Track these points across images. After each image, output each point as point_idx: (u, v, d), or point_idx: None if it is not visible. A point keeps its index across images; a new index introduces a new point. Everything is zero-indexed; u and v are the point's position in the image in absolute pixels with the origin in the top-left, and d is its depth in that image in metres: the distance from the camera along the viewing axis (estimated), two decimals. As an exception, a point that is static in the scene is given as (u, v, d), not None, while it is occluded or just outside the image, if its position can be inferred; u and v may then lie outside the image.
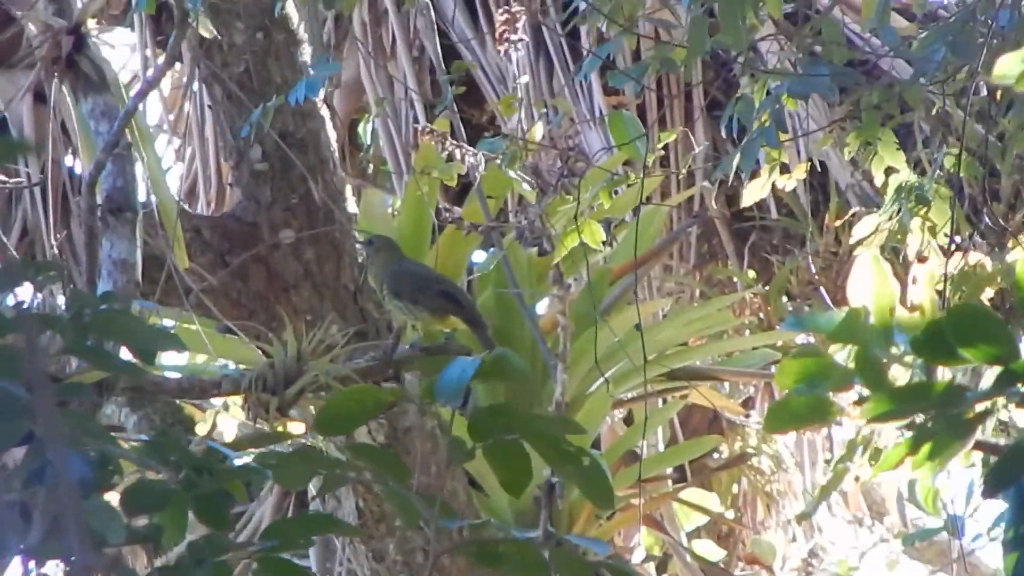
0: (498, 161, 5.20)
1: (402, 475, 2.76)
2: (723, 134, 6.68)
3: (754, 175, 5.46)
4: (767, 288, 7.77)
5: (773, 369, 7.80)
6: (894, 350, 2.18)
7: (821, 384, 2.18)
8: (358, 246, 5.39)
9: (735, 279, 7.99)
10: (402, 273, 4.51)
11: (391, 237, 5.12)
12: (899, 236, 5.19)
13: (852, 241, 6.01)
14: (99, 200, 4.24)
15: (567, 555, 2.76)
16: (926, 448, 2.19)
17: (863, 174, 6.94)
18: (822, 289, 7.66)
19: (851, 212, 6.86)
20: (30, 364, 2.33)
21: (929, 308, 2.28)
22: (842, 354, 2.26)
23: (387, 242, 4.76)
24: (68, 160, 6.24)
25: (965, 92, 4.91)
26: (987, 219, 5.77)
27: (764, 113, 4.56)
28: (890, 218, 5.21)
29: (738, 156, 4.65)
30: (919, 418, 2.17)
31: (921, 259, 5.08)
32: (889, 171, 5.25)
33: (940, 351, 2.15)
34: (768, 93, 4.59)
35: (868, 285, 2.28)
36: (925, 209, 5.06)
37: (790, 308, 7.76)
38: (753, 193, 5.55)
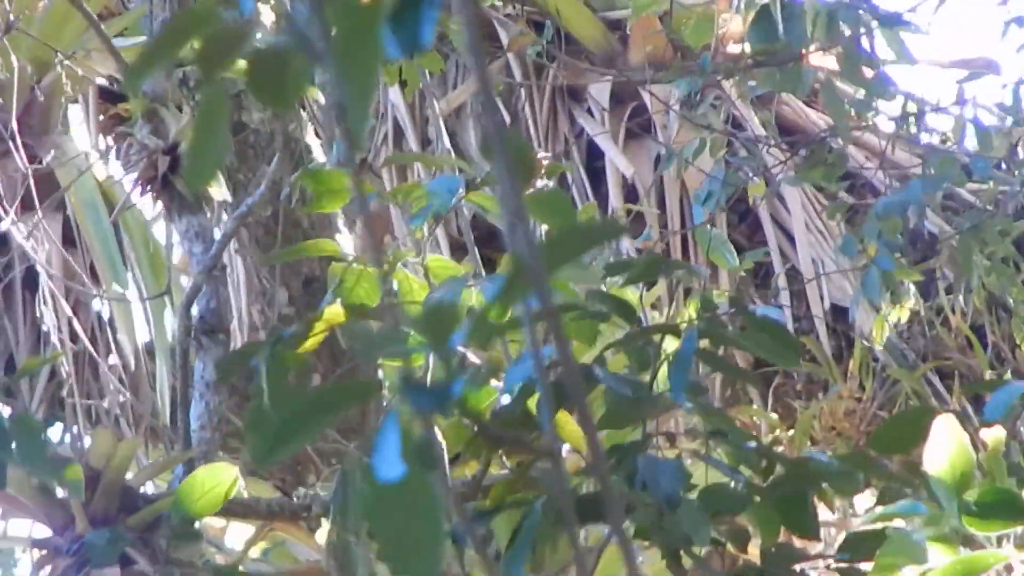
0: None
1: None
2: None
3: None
4: (791, 432, 7.75)
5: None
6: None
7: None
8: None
9: (758, 420, 7.97)
10: None
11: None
12: None
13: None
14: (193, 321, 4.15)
15: None
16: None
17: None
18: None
19: (873, 359, 6.87)
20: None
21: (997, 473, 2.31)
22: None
23: None
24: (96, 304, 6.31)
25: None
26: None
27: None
28: None
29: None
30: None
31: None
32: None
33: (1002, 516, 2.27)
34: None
35: (945, 450, 2.34)
36: None
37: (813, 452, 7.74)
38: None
